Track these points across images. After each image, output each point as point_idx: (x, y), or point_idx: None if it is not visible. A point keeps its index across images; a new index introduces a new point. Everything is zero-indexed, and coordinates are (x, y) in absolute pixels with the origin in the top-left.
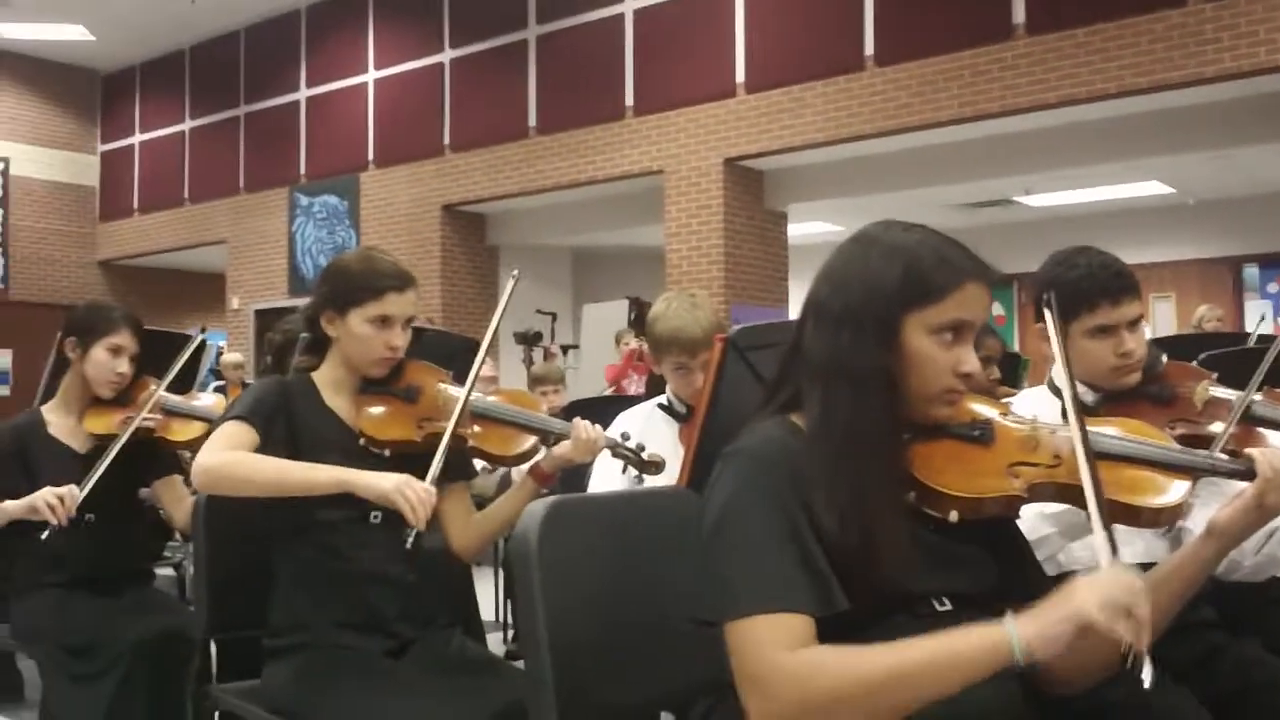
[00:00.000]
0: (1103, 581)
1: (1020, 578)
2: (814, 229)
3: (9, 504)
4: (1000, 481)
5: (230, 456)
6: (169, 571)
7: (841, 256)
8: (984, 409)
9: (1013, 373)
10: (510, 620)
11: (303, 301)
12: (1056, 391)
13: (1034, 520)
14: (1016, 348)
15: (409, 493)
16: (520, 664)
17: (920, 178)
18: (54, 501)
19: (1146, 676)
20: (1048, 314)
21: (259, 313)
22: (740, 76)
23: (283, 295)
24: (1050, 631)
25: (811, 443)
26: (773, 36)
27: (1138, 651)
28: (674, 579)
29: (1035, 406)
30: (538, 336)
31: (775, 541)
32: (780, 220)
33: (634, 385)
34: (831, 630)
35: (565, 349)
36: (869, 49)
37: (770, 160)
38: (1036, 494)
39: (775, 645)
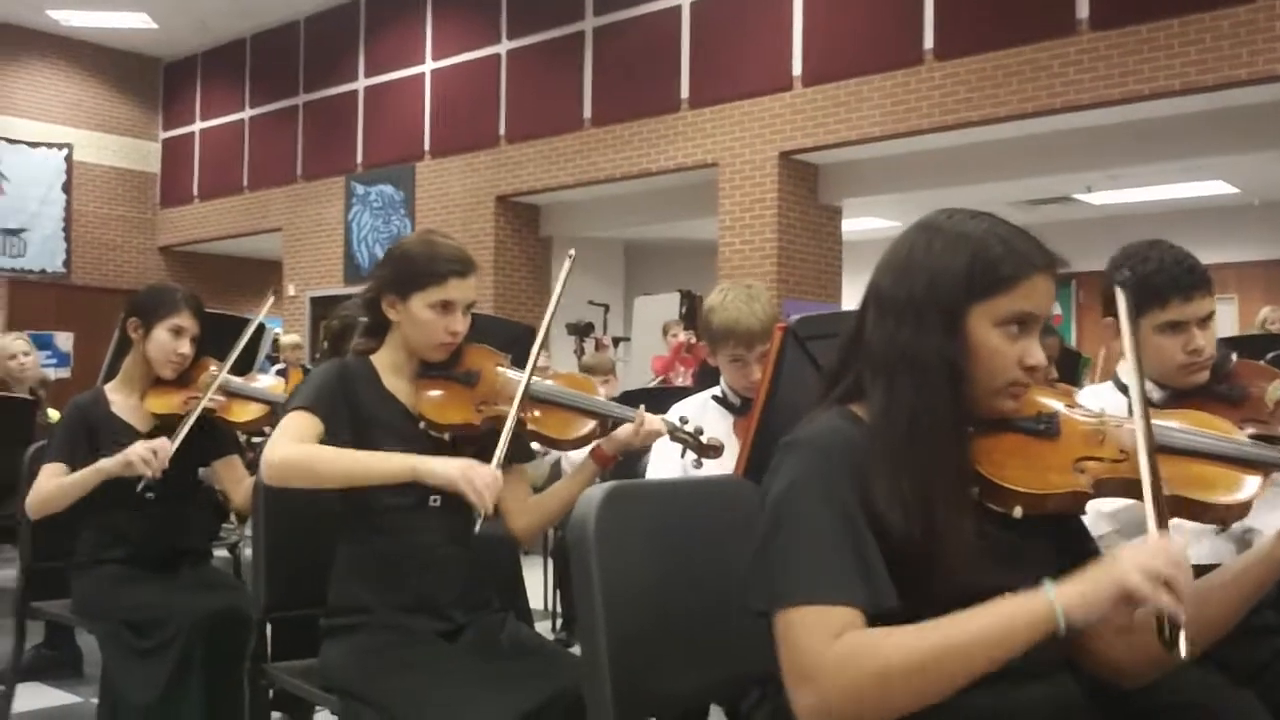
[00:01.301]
0: (1147, 550)
1: None
2: (869, 224)
3: (104, 462)
4: (1065, 477)
5: (300, 450)
6: (224, 553)
7: (905, 245)
8: (1051, 401)
9: (1072, 371)
10: (559, 609)
11: (358, 290)
12: (1122, 388)
13: (1094, 518)
14: (1075, 346)
15: (475, 479)
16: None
17: (979, 174)
18: (147, 455)
19: (1183, 649)
20: (1120, 295)
21: (314, 300)
22: (797, 69)
23: (338, 283)
24: (1091, 597)
25: (874, 434)
26: (830, 29)
27: (1175, 623)
28: (729, 568)
29: (1099, 404)
30: (589, 328)
31: (830, 533)
32: (835, 215)
33: (681, 377)
34: (890, 625)
35: (616, 341)
36: (928, 43)
37: (826, 154)
38: (1103, 489)
39: (823, 636)
